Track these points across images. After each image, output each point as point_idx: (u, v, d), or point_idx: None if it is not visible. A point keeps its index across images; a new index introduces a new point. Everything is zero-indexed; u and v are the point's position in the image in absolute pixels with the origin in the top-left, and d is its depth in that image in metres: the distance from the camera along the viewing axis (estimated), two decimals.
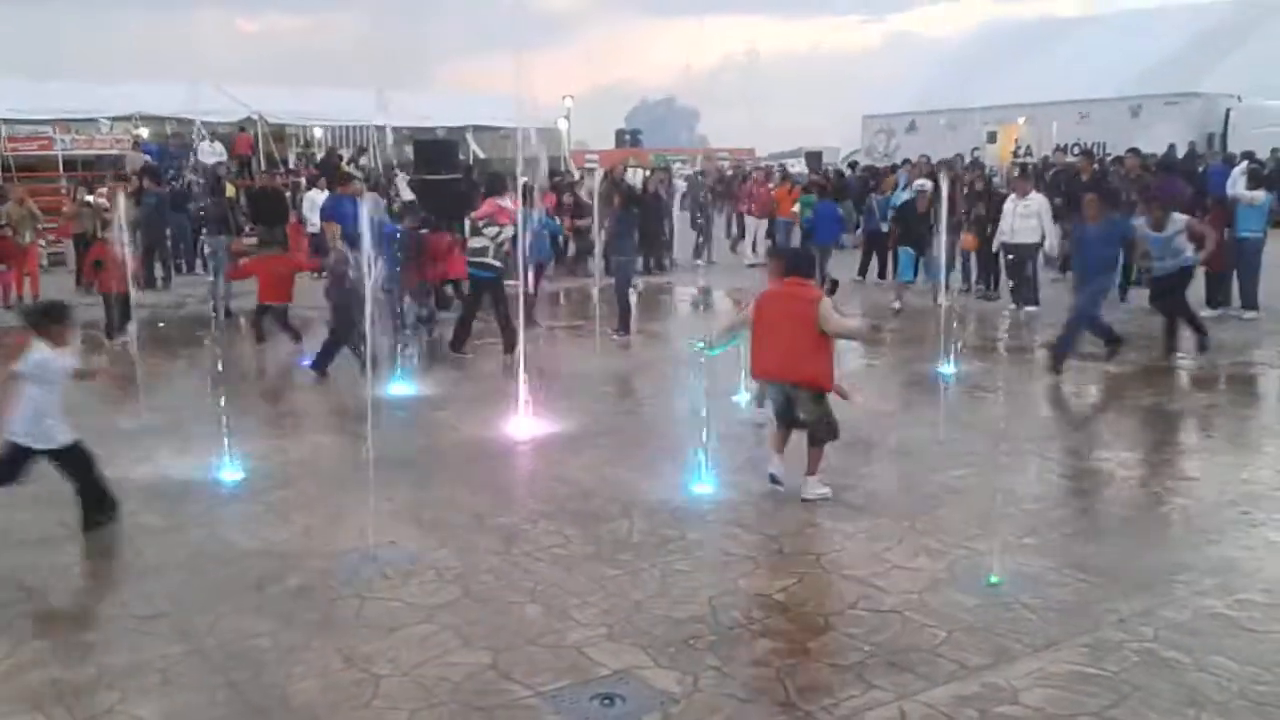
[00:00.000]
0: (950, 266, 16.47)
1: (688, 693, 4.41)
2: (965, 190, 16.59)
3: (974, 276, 16.32)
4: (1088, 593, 5.36)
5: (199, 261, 19.50)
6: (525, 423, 8.56)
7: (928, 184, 15.07)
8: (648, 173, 25.73)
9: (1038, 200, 14.49)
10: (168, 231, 18.87)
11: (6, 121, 25.66)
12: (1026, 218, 14.33)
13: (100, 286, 12.96)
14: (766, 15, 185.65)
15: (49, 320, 6.34)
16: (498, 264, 11.43)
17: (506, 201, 11.63)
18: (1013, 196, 14.71)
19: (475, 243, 11.65)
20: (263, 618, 5.15)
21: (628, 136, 56.35)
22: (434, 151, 29.75)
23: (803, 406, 6.92)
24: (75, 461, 6.28)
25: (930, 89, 43.06)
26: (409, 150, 31.32)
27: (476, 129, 32.61)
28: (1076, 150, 29.60)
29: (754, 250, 20.88)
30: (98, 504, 6.31)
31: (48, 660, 4.73)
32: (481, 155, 32.55)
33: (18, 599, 5.39)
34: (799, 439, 6.96)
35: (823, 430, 6.89)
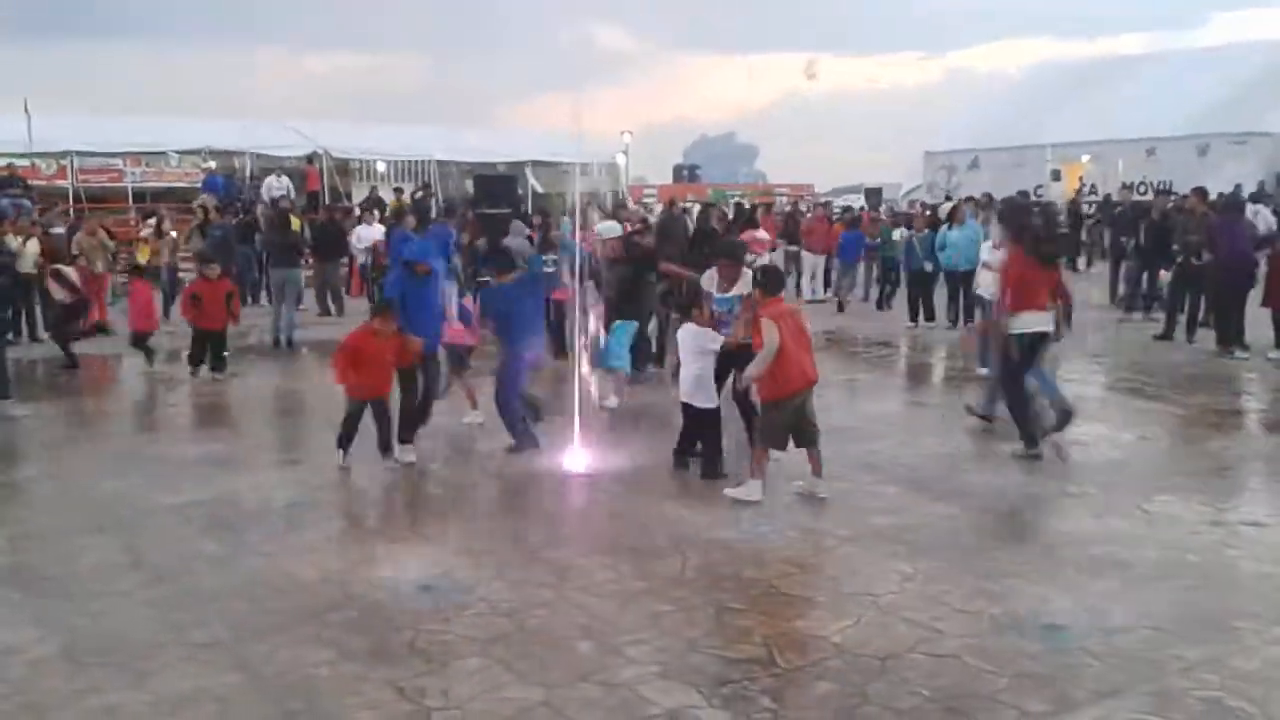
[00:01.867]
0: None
1: None
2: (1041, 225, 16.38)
3: None
4: (1152, 639, 5.23)
5: (264, 293, 19.84)
6: (581, 456, 8.56)
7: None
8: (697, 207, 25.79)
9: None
10: (234, 263, 19.24)
11: (78, 154, 26.35)
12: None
13: (196, 320, 12.83)
14: (826, 51, 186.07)
15: None
16: None
17: (761, 233, 12.18)
18: (989, 247, 11.99)
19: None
20: (319, 648, 5.18)
21: (685, 172, 56.57)
22: (493, 186, 30.17)
23: (810, 409, 7.66)
24: None
25: (993, 125, 42.87)
26: (469, 185, 31.78)
27: (535, 164, 32.96)
28: (1143, 188, 29.28)
29: (811, 287, 20.87)
30: None
31: (105, 686, 4.78)
32: (540, 190, 32.88)
33: (77, 625, 5.46)
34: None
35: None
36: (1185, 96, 36.78)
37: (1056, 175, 36.56)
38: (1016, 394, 8.81)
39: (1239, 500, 7.86)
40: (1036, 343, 8.83)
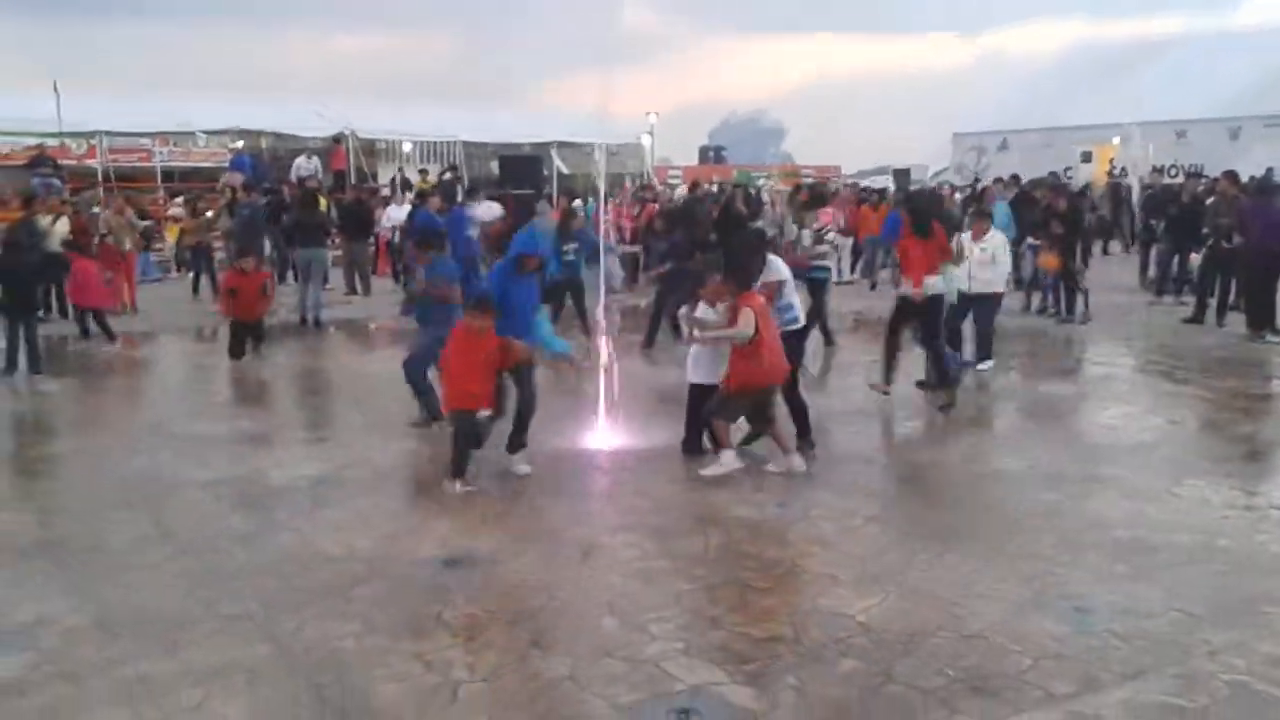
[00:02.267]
0: (1034, 286, 16.27)
1: (766, 711, 4.37)
2: (1045, 207, 16.25)
3: (1050, 297, 15.93)
4: (1179, 622, 5.20)
5: (290, 272, 19.94)
6: (606, 436, 8.58)
7: None
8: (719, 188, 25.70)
9: (996, 241, 11.77)
10: (262, 242, 19.36)
11: (107, 133, 26.51)
12: (983, 264, 11.56)
13: (231, 313, 12.55)
14: (856, 32, 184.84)
15: None
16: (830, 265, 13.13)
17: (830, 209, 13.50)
18: (966, 238, 11.51)
19: (820, 248, 12.44)
20: (347, 621, 5.22)
21: (711, 153, 56.28)
22: (519, 167, 30.18)
23: (773, 402, 7.89)
24: None
25: (1023, 107, 42.48)
26: (494, 166, 31.80)
27: (561, 145, 32.90)
28: (1173, 171, 28.99)
29: (837, 269, 20.74)
30: None
31: (137, 656, 4.83)
32: (565, 171, 32.85)
33: (109, 597, 5.53)
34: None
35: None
36: (1217, 79, 36.32)
37: (1087, 157, 36.20)
38: (938, 349, 10.02)
39: (1270, 484, 7.79)
40: (937, 302, 10.05)
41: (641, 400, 9.78)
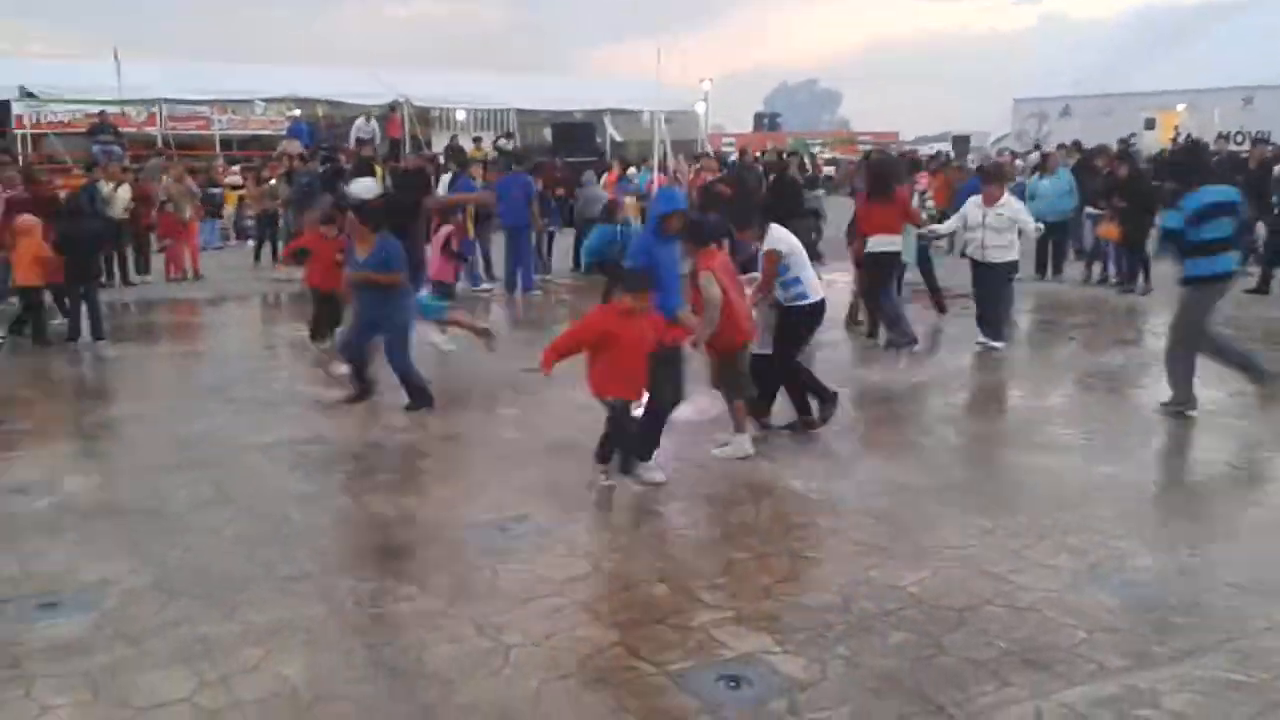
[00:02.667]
0: (1095, 256, 16.00)
1: (815, 680, 4.37)
2: (1107, 175, 15.93)
3: (1111, 268, 15.66)
4: (1236, 597, 5.12)
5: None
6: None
7: None
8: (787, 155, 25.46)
9: (1013, 207, 11.21)
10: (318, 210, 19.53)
11: (167, 101, 26.82)
12: (999, 230, 10.96)
13: (306, 280, 11.32)
14: None
15: None
16: None
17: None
18: (978, 202, 11.16)
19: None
20: (401, 584, 5.29)
21: (766, 120, 55.84)
22: (571, 134, 30.16)
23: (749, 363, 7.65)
24: None
25: (1086, 73, 41.67)
26: (547, 133, 31.79)
27: (614, 112, 32.81)
28: (1239, 138, 28.32)
29: None
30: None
31: (196, 617, 4.93)
32: (618, 138, 32.77)
33: (168, 559, 5.64)
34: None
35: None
36: None
37: (1150, 124, 35.49)
38: (887, 305, 10.96)
39: None
40: (886, 259, 11.03)
41: (695, 370, 9.76)
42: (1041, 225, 11.81)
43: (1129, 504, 6.41)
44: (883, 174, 11.51)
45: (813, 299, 7.96)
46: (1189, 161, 9.85)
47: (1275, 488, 6.77)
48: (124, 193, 16.08)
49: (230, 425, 8.29)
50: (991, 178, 11.74)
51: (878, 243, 10.89)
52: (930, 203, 13.21)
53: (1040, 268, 16.16)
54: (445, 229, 11.29)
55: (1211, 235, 8.05)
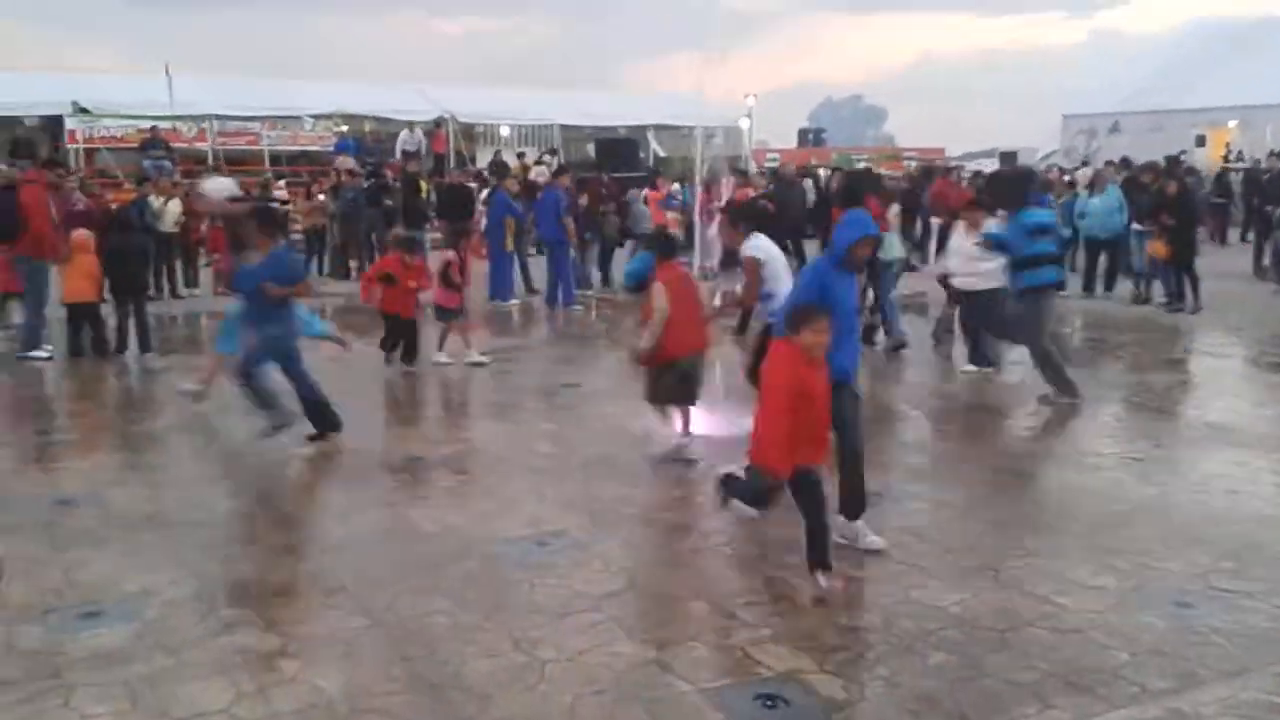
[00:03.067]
0: (1144, 275, 15.76)
1: (854, 701, 4.32)
2: (1156, 192, 15.69)
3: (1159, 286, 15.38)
4: None
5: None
6: (699, 420, 8.55)
7: None
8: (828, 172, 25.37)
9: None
10: (363, 225, 19.76)
11: (217, 117, 27.22)
12: (977, 259, 10.46)
13: (383, 305, 11.09)
14: (964, 12, 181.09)
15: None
16: None
17: None
18: (960, 229, 11.01)
19: None
20: (439, 597, 5.30)
21: (810, 135, 55.67)
22: (615, 150, 30.23)
23: (699, 372, 7.77)
24: None
25: (1136, 89, 41.24)
26: (591, 148, 31.91)
27: (658, 128, 32.87)
28: None
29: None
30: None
31: (235, 628, 4.97)
32: (662, 154, 32.82)
33: (209, 570, 5.69)
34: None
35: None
36: None
37: (1201, 141, 35.03)
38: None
39: None
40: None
41: (735, 387, 9.73)
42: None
43: (1174, 525, 6.30)
44: (852, 185, 12.27)
45: None
46: (1013, 186, 10.71)
47: None
48: (174, 207, 16.32)
49: (273, 438, 8.34)
50: (972, 203, 11.47)
51: None
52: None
53: (1089, 285, 15.96)
54: (446, 256, 11.32)
55: (1039, 250, 9.21)
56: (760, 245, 7.94)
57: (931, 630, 4.95)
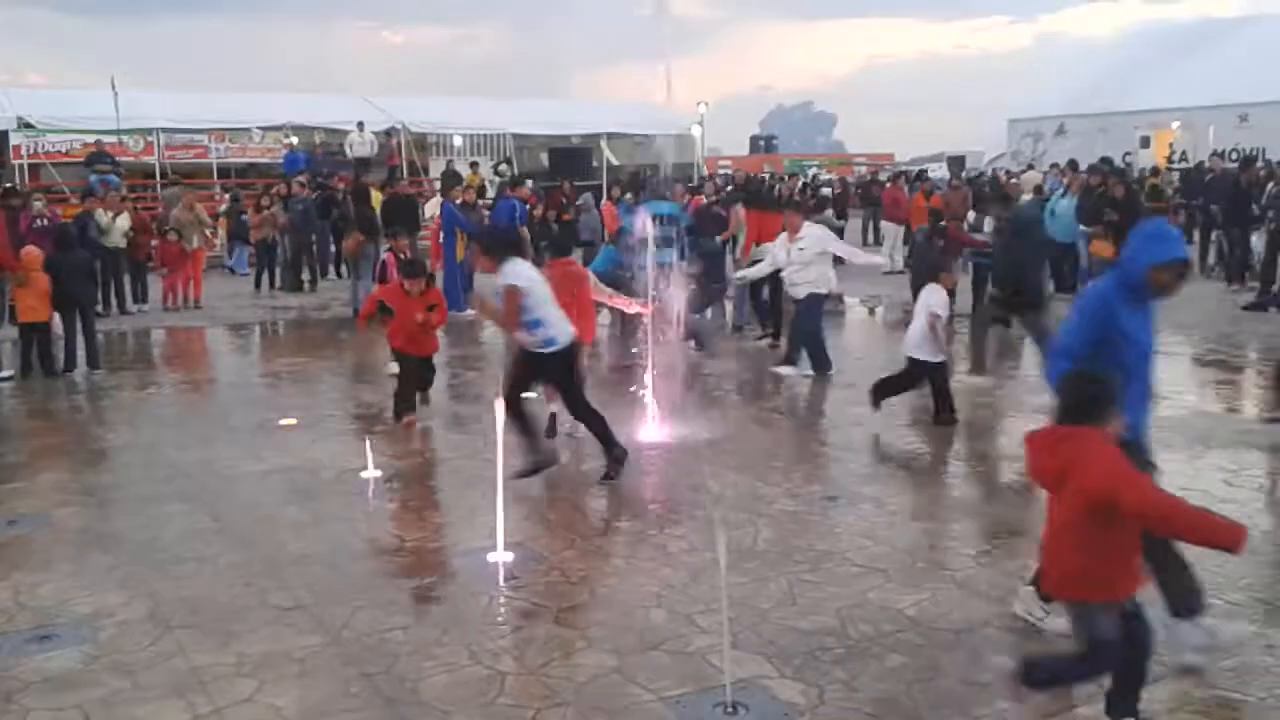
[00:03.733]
0: (1089, 275, 15.99)
1: (813, 705, 4.34)
2: (1100, 194, 15.91)
3: None
4: (1235, 614, 5.09)
5: (333, 267, 20.20)
6: (654, 428, 8.58)
7: None
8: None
9: (814, 237, 10.86)
10: (314, 236, 19.64)
11: (164, 130, 26.92)
12: (802, 266, 10.73)
13: (392, 340, 9.47)
14: (909, 17, 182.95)
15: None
16: None
17: None
18: (783, 238, 11.15)
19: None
20: (396, 613, 5.27)
21: (762, 142, 56.04)
22: (569, 158, 30.23)
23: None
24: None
25: (1080, 92, 41.84)
26: (544, 157, 31.88)
27: (610, 136, 32.91)
28: (1234, 156, 28.41)
29: (891, 257, 20.57)
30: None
31: (190, 648, 4.90)
32: (615, 162, 32.86)
33: (162, 590, 5.61)
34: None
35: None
36: None
37: (1145, 142, 35.61)
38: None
39: None
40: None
41: (688, 394, 9.76)
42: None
43: None
44: (759, 190, 14.71)
45: (561, 344, 7.32)
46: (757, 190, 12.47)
47: (1271, 504, 6.75)
48: (123, 221, 16.12)
49: (225, 454, 8.27)
50: (795, 207, 12.05)
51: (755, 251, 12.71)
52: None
53: (1058, 286, 16.08)
54: (387, 255, 11.24)
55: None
56: (519, 273, 7.30)
57: (889, 632, 4.99)
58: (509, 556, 5.95)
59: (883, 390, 8.91)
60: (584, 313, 8.40)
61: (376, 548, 6.21)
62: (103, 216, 15.72)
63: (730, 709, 4.31)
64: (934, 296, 8.75)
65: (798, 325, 11.16)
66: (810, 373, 10.81)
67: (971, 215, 15.84)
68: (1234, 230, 16.55)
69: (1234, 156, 28.26)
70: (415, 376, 9.27)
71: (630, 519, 6.66)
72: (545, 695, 4.43)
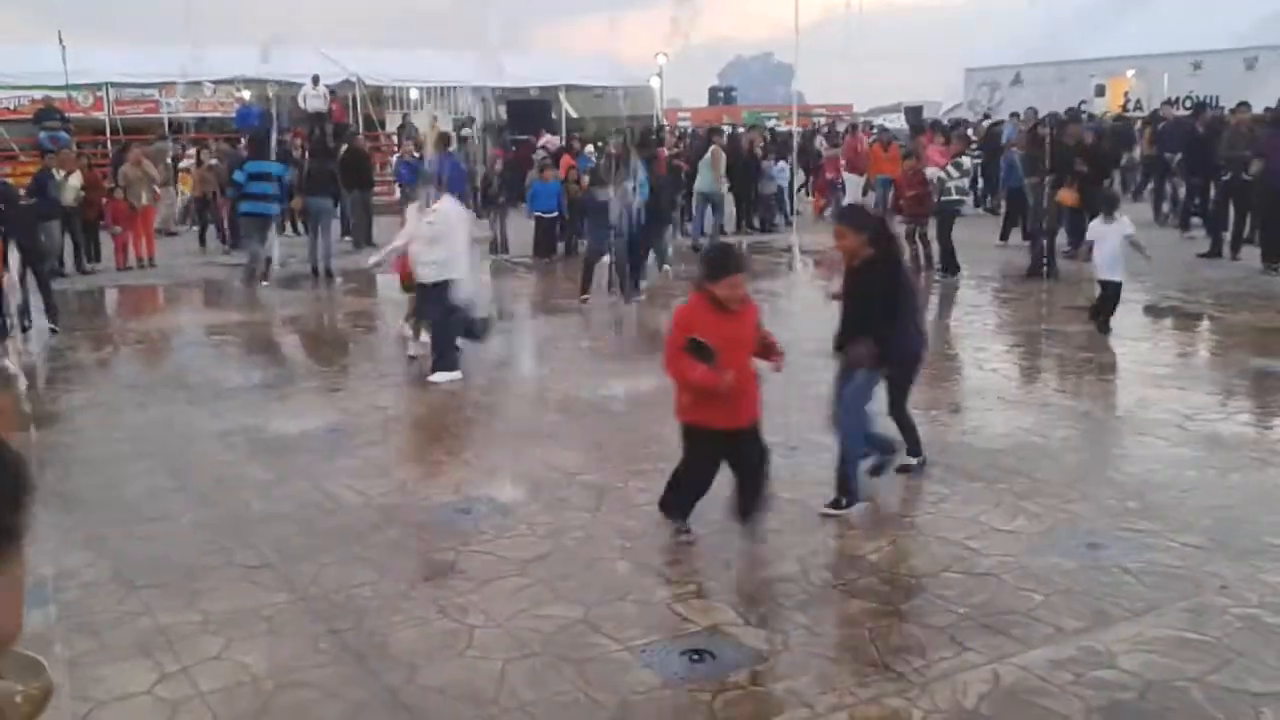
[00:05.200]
0: (1055, 225, 16.09)
1: (777, 651, 4.42)
2: (1070, 144, 15.94)
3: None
4: (1190, 557, 5.22)
5: (288, 224, 19.96)
6: (617, 382, 8.60)
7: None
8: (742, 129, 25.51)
9: (446, 215, 8.97)
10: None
11: (114, 85, 26.38)
12: (431, 243, 8.87)
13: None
14: None
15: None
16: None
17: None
18: (413, 207, 9.44)
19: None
20: (363, 568, 5.29)
21: (721, 94, 55.77)
22: (527, 111, 29.94)
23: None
24: None
25: (1037, 41, 41.82)
26: (503, 110, 31.56)
27: (569, 89, 32.61)
28: (1188, 104, 28.61)
29: None
30: None
31: (156, 608, 4.90)
32: (574, 115, 32.60)
33: (127, 549, 5.60)
34: None
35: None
36: (1234, 8, 35.68)
37: (1100, 90, 35.77)
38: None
39: (1271, 418, 7.77)
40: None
41: (647, 346, 9.79)
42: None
43: (1081, 469, 6.51)
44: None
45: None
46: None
47: (1224, 449, 6.88)
48: (74, 180, 15.83)
49: (185, 414, 8.21)
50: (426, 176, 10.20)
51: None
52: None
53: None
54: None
55: None
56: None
57: (850, 579, 5.07)
58: (474, 510, 5.99)
59: (1103, 316, 10.18)
60: None
61: (341, 504, 6.21)
62: (56, 174, 15.43)
63: (696, 656, 4.37)
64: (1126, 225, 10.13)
65: (440, 322, 9.14)
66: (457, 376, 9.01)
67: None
68: (1195, 179, 16.64)
69: (1187, 104, 28.46)
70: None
71: (595, 472, 6.69)
72: (513, 647, 4.47)
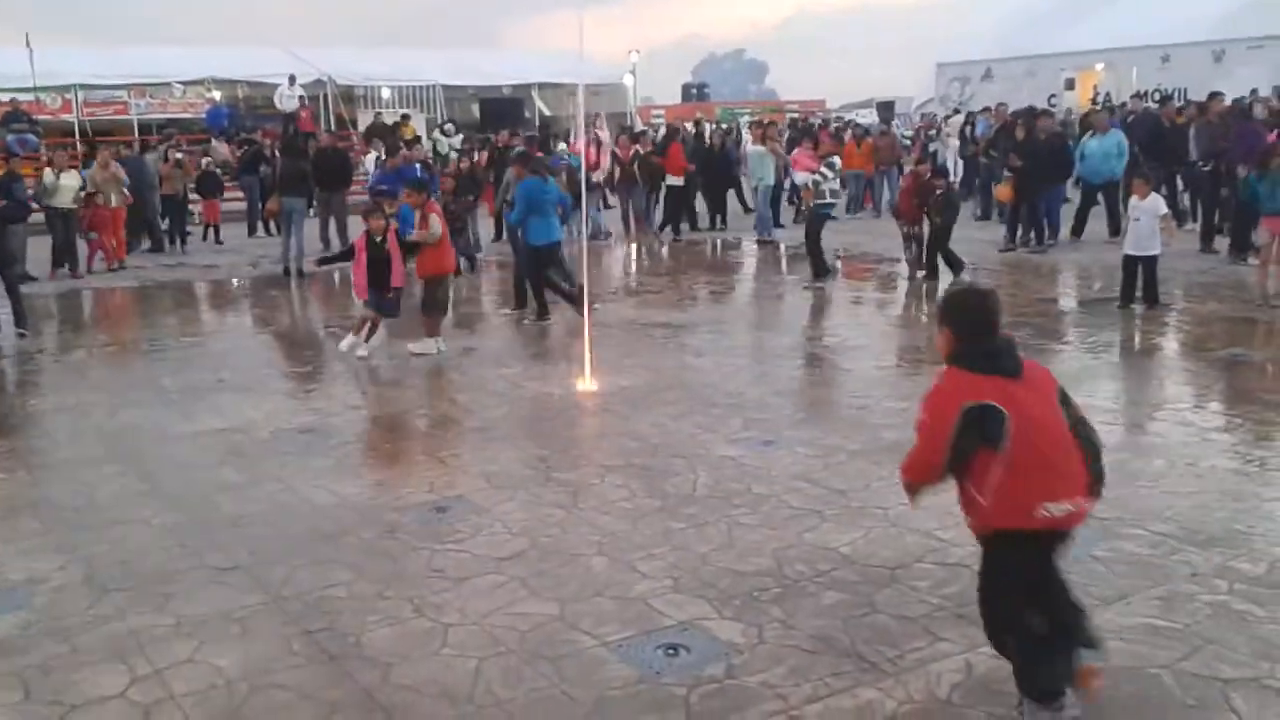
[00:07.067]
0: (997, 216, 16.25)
1: (752, 644, 4.44)
2: (1022, 138, 15.99)
3: (1019, 230, 15.73)
4: (1160, 545, 5.27)
5: (261, 224, 19.85)
6: (590, 378, 8.60)
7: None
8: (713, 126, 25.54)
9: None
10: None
11: (83, 87, 26.17)
12: None
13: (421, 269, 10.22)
14: None
15: None
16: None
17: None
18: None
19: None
20: (337, 569, 5.26)
21: (694, 91, 55.80)
22: (500, 110, 29.88)
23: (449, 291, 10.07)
24: None
25: (1007, 35, 42.07)
26: (475, 109, 31.49)
27: (542, 87, 32.58)
28: (1157, 96, 28.84)
29: None
30: None
31: (128, 612, 4.87)
32: (547, 113, 32.57)
33: (98, 554, 5.55)
34: None
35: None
36: (1202, 1, 36.01)
37: (1070, 84, 35.97)
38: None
39: (1248, 406, 7.84)
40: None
41: (621, 343, 9.80)
42: None
43: None
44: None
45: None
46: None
47: (1195, 437, 6.95)
48: (72, 180, 15.65)
49: (156, 416, 8.16)
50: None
51: None
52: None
53: (1078, 231, 16.18)
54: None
55: None
56: None
57: (824, 571, 5.09)
58: (449, 509, 5.98)
59: (1149, 289, 10.95)
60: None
61: (314, 506, 6.18)
62: (49, 176, 15.31)
63: (672, 651, 4.38)
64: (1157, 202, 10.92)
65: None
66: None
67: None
68: (1159, 170, 16.78)
69: (1155, 97, 28.69)
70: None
71: (569, 469, 6.69)
72: (489, 645, 4.47)
